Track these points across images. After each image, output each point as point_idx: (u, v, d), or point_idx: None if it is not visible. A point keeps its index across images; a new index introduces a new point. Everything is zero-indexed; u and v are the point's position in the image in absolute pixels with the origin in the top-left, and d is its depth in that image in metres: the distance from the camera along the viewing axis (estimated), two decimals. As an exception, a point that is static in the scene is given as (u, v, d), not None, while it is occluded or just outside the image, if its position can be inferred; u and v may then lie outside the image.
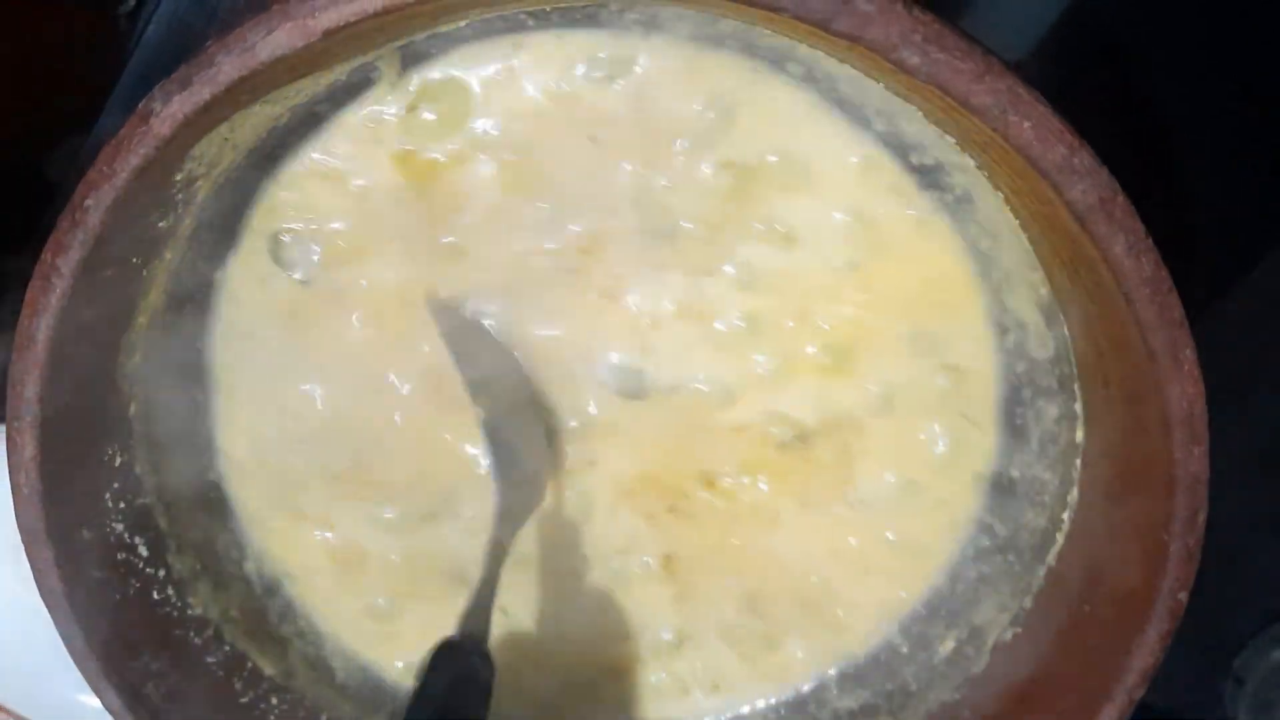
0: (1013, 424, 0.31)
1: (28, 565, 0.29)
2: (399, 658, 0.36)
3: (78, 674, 0.30)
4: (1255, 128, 0.40)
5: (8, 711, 0.49)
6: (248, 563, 0.34)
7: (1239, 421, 0.42)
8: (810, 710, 0.35)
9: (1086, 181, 0.23)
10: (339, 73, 0.27)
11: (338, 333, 0.32)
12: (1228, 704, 0.48)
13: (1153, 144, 0.41)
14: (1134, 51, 0.43)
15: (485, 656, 0.30)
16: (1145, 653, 0.27)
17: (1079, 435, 0.29)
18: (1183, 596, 0.26)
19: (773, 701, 0.35)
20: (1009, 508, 0.32)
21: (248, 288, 0.31)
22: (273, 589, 0.35)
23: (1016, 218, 0.27)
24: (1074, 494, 0.30)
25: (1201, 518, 0.25)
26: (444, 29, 0.27)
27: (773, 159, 0.29)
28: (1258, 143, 0.40)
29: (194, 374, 0.32)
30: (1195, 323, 0.40)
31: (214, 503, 0.34)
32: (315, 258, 0.31)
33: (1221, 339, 0.41)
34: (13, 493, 0.28)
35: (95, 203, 0.24)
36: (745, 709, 0.35)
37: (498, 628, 0.32)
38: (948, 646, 0.33)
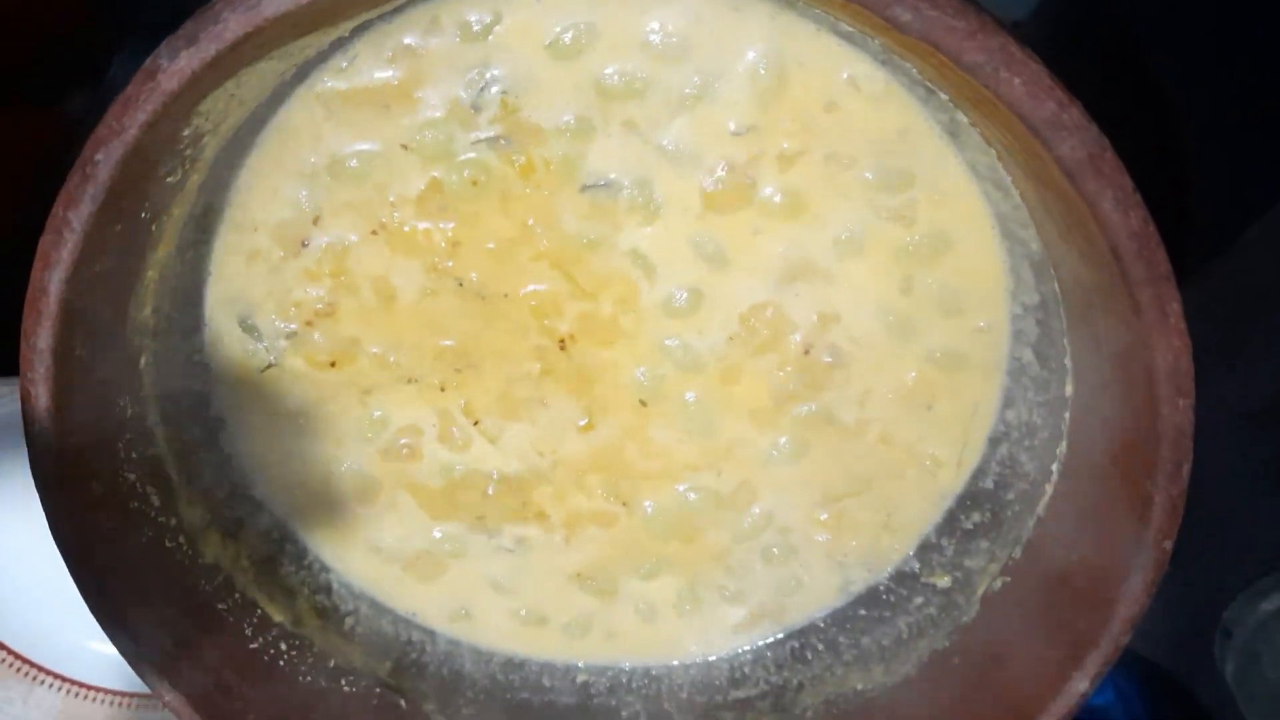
0: (1010, 373, 0.32)
1: (40, 516, 0.30)
2: (407, 607, 0.37)
3: (89, 622, 0.31)
4: (1255, 89, 0.41)
5: (22, 659, 0.50)
6: (256, 513, 0.35)
7: (1232, 380, 0.43)
8: (808, 654, 0.36)
9: (1076, 138, 0.23)
10: (343, 29, 0.28)
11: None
12: (1217, 655, 0.49)
13: (1151, 105, 0.41)
14: (1133, 12, 0.43)
15: None
16: (1130, 601, 0.27)
17: (1069, 389, 0.30)
18: (1167, 545, 0.27)
19: (779, 635, 0.36)
20: (1003, 454, 0.33)
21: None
22: (282, 539, 0.35)
23: (1009, 174, 0.28)
24: (1063, 446, 0.30)
25: (1186, 469, 0.26)
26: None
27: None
28: (1256, 104, 0.41)
29: (198, 328, 0.33)
30: (1189, 283, 0.41)
31: (224, 454, 0.34)
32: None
33: (1215, 299, 0.41)
34: (27, 442, 0.29)
35: (105, 157, 0.25)
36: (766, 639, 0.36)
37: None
38: (944, 582, 0.34)
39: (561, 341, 0.32)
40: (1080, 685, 0.28)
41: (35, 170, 0.43)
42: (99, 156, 0.25)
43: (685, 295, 0.32)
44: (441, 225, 0.31)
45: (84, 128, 0.43)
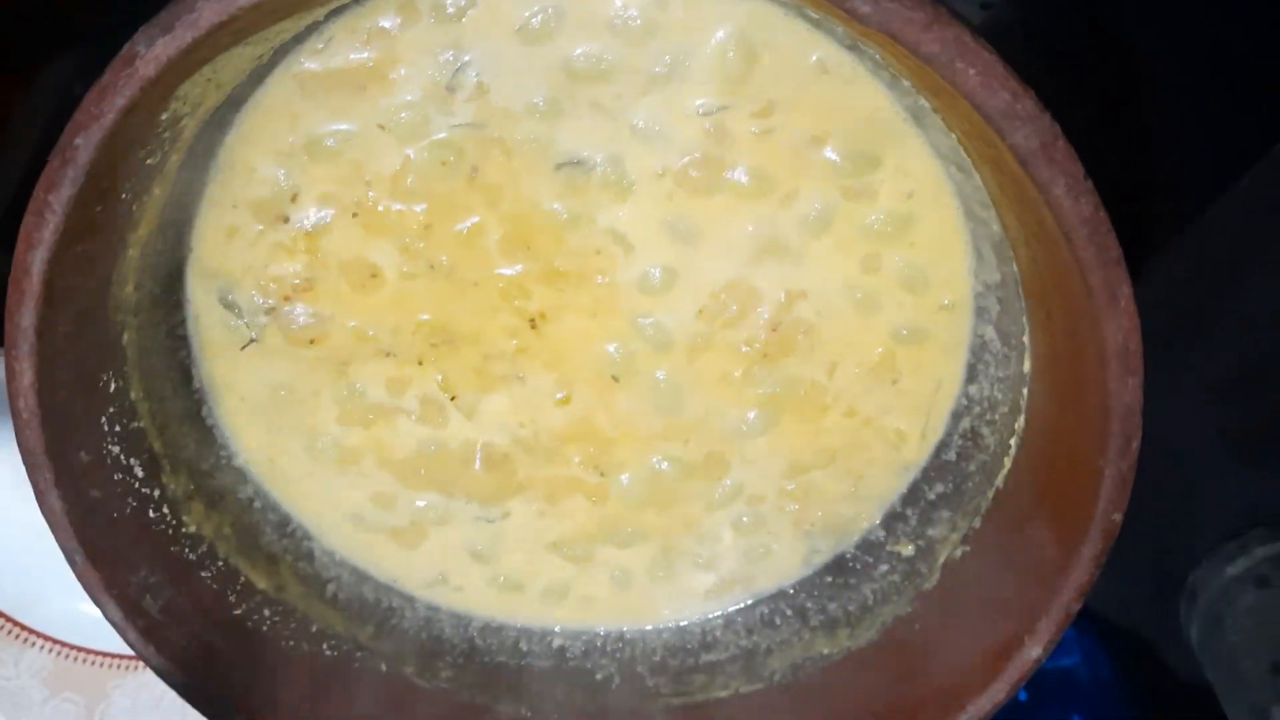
0: (972, 349, 0.33)
1: (28, 483, 0.31)
2: (387, 574, 0.38)
3: (78, 585, 0.32)
4: (1223, 64, 0.41)
5: (13, 621, 0.50)
6: (238, 484, 0.36)
7: (1198, 351, 0.44)
8: (777, 620, 0.37)
9: (1029, 127, 0.24)
10: (318, 14, 0.28)
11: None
12: (1181, 619, 0.51)
13: (1121, 81, 0.42)
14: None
15: None
16: (1080, 571, 0.28)
17: (1027, 365, 0.31)
18: (1116, 518, 0.28)
19: (749, 602, 0.37)
20: (965, 428, 0.34)
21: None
22: (264, 508, 0.36)
23: (970, 158, 0.29)
24: (1021, 420, 0.31)
25: (1135, 445, 0.27)
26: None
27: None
28: (1224, 78, 0.41)
29: (179, 304, 0.34)
30: (1155, 257, 0.41)
31: (206, 427, 0.35)
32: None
33: (1181, 273, 0.42)
34: (12, 417, 0.29)
35: (84, 142, 0.25)
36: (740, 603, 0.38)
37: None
38: (908, 550, 0.35)
39: (532, 321, 0.33)
40: (1033, 651, 0.29)
41: (12, 138, 0.43)
42: (78, 141, 0.25)
43: (660, 273, 0.32)
44: (414, 207, 0.32)
45: (62, 94, 0.43)
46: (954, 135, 0.28)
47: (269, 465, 0.36)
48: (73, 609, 0.50)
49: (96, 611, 0.50)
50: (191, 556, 0.34)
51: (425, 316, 0.33)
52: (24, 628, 0.50)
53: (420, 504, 0.36)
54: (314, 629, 0.36)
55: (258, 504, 0.36)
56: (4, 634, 0.50)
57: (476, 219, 0.32)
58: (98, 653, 0.51)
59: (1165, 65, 0.42)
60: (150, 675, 0.50)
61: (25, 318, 0.28)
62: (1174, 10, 0.41)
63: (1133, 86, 0.42)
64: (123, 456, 0.32)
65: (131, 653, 0.50)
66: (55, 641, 0.51)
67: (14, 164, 0.45)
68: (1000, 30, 0.25)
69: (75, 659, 0.50)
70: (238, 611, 0.35)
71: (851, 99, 0.30)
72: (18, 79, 0.45)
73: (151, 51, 0.24)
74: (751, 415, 0.34)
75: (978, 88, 0.23)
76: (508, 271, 0.33)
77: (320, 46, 0.30)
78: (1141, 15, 0.41)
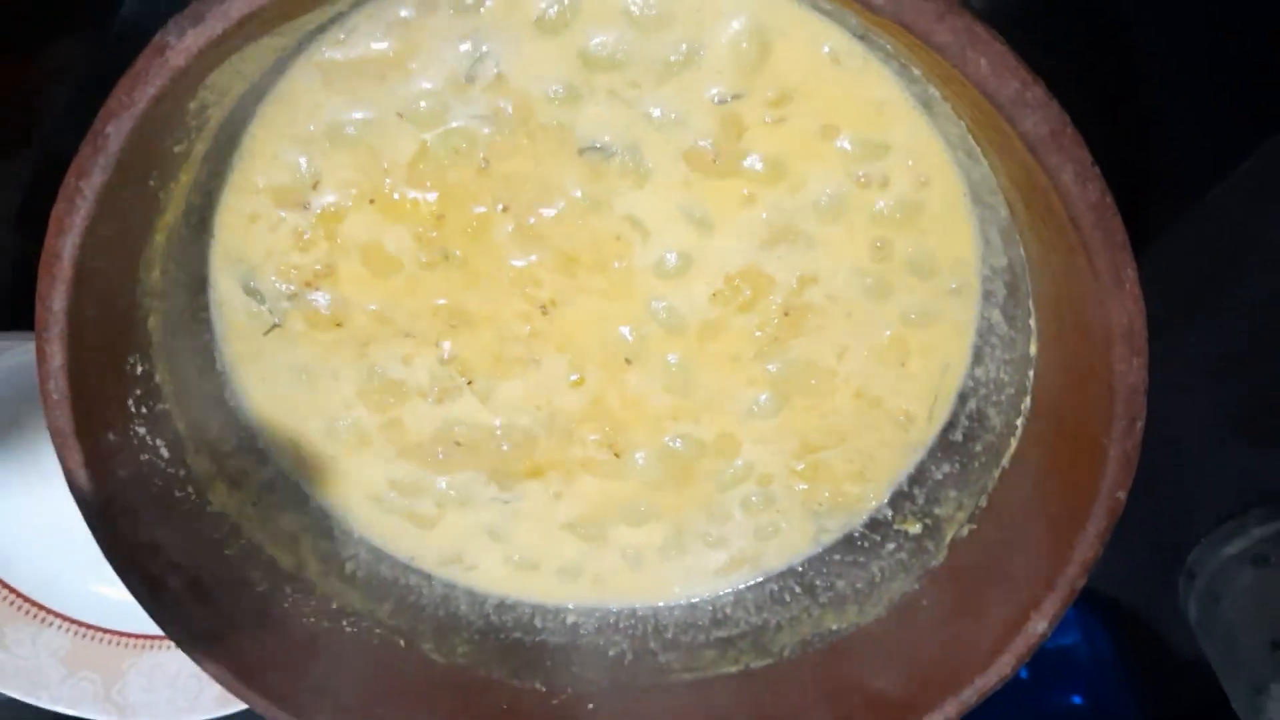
0: (980, 332, 0.34)
1: (46, 466, 0.31)
2: (405, 552, 0.39)
3: (93, 566, 0.32)
4: (1221, 55, 0.42)
5: (31, 601, 0.51)
6: (260, 465, 0.37)
7: (1197, 335, 0.45)
8: (786, 597, 0.38)
9: (1039, 114, 0.24)
10: (343, 4, 0.29)
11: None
12: (1180, 597, 0.52)
13: (1120, 68, 0.42)
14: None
15: None
16: (1085, 547, 0.29)
17: (1033, 348, 0.31)
18: (1121, 496, 0.28)
19: (759, 579, 0.38)
20: (972, 409, 0.35)
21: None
22: (285, 488, 0.37)
23: (979, 145, 0.29)
24: (1027, 401, 0.32)
25: (1139, 425, 0.28)
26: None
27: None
28: (1222, 68, 0.42)
29: (203, 288, 0.34)
30: (1155, 242, 0.42)
31: (228, 409, 0.36)
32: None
33: (1181, 257, 0.43)
34: (42, 399, 0.30)
35: (115, 130, 0.26)
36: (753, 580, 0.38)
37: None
38: (915, 529, 0.36)
39: (543, 307, 0.34)
40: (1038, 626, 0.30)
41: (18, 116, 0.43)
42: (110, 129, 0.26)
43: (675, 258, 0.33)
44: (427, 197, 0.32)
45: (70, 76, 0.43)
46: (963, 123, 0.29)
47: (290, 446, 0.36)
48: (89, 589, 0.51)
49: (113, 592, 0.51)
50: (215, 535, 0.35)
51: (442, 301, 0.34)
52: (42, 608, 0.51)
53: (437, 485, 0.37)
54: (334, 606, 0.37)
55: (279, 484, 0.37)
56: (22, 614, 0.51)
57: (483, 214, 0.32)
58: (114, 632, 0.52)
59: (1163, 58, 0.42)
60: (165, 654, 0.51)
61: (57, 301, 0.28)
62: (1172, 3, 0.42)
63: (1130, 79, 0.43)
64: (149, 437, 0.33)
65: (147, 632, 0.51)
66: (73, 621, 0.51)
67: (29, 155, 0.45)
68: (1000, 22, 0.25)
69: (92, 638, 0.51)
70: (260, 589, 0.35)
71: (862, 88, 0.31)
72: (26, 62, 0.45)
73: (182, 42, 0.25)
74: (763, 397, 0.35)
75: (989, 76, 0.24)
76: (519, 263, 0.33)
77: (342, 36, 0.30)
78: (1140, 7, 0.42)
